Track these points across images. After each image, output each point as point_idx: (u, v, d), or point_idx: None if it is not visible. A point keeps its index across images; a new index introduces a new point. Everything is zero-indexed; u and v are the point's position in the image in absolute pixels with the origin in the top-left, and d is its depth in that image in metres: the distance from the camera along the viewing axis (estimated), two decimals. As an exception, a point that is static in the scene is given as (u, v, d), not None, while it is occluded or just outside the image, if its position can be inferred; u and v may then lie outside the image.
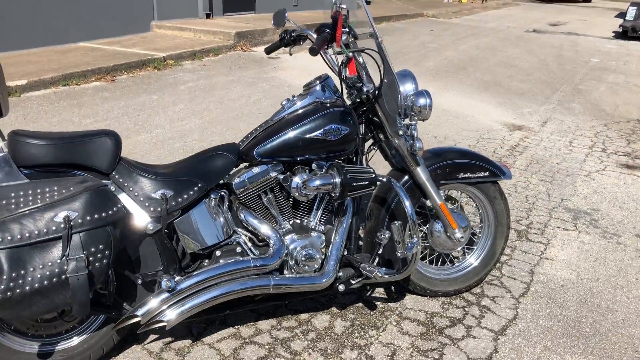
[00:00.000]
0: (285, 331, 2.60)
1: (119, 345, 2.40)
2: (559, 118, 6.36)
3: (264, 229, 2.38)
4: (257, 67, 8.04)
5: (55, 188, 2.00)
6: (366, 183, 2.39)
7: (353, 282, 2.50)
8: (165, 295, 2.18)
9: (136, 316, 2.15)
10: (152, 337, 2.52)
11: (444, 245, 2.78)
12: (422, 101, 2.44)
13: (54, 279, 1.89)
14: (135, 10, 9.37)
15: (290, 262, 2.42)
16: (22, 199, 1.95)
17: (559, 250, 3.44)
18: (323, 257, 2.46)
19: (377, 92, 2.48)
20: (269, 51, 2.80)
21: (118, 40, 8.76)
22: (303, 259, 2.40)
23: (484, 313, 2.80)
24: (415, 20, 15.14)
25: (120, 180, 2.16)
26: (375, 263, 2.51)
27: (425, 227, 2.82)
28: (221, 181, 2.41)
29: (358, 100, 2.59)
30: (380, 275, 2.41)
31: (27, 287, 1.86)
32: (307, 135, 2.35)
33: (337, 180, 2.33)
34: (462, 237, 2.72)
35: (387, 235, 2.47)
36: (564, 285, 3.07)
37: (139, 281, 2.21)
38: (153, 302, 2.17)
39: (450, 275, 2.90)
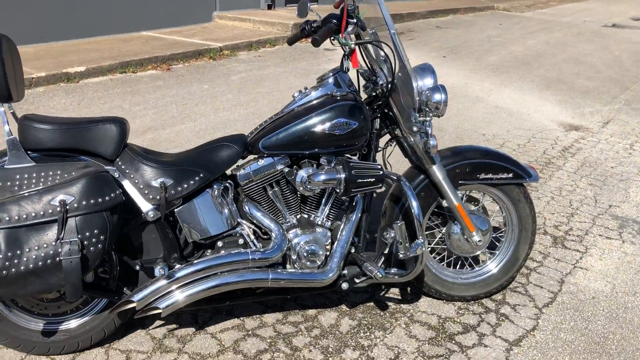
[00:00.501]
0: (290, 326, 2.57)
1: (124, 329, 2.45)
2: (623, 119, 5.97)
3: (267, 222, 2.35)
4: (311, 58, 8.02)
5: (58, 172, 2.05)
6: (372, 180, 2.31)
7: (357, 280, 2.44)
8: (162, 282, 2.20)
9: (132, 302, 2.18)
10: (158, 322, 2.56)
11: (462, 249, 2.66)
12: (437, 97, 2.33)
13: (48, 261, 1.94)
14: (198, 1, 9.56)
15: (293, 257, 2.38)
16: (25, 182, 2.01)
17: (596, 260, 3.22)
18: (327, 253, 2.41)
19: (390, 86, 2.39)
20: (290, 42, 2.76)
21: (179, 30, 8.98)
22: (305, 254, 2.36)
23: (501, 321, 2.66)
24: (485, 13, 14.65)
25: (123, 167, 2.19)
26: (381, 262, 2.43)
27: (444, 229, 2.71)
28: (228, 172, 2.40)
29: (374, 94, 2.52)
30: (380, 275, 2.33)
31: (22, 267, 1.92)
32: (314, 129, 2.30)
33: (342, 176, 2.27)
34: (480, 241, 2.59)
35: (392, 235, 2.39)
36: (595, 297, 2.88)
37: (138, 267, 2.24)
38: (149, 289, 2.19)
39: (469, 279, 2.77)
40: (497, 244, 2.84)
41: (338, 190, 2.30)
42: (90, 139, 2.16)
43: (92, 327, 2.31)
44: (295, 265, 2.39)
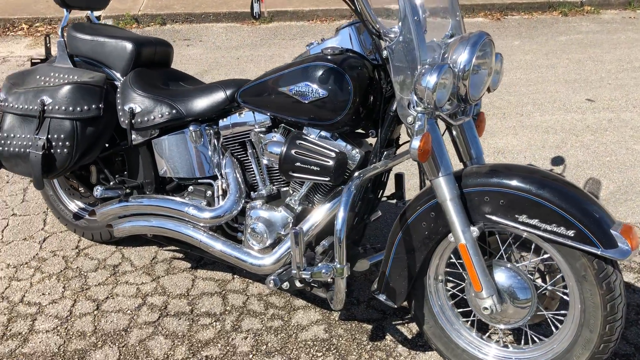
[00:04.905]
0: (262, 305, 2.27)
1: (143, 241, 2.58)
2: None
3: (231, 181, 2.08)
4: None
5: (76, 77, 2.26)
6: (315, 169, 1.79)
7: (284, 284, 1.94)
8: (116, 205, 2.24)
9: (95, 213, 2.30)
10: (173, 247, 2.61)
11: (478, 311, 1.83)
12: (427, 79, 1.59)
13: (22, 150, 2.21)
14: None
15: (247, 228, 2.07)
16: (52, 79, 2.28)
17: None
18: (278, 239, 2.00)
19: (383, 52, 1.72)
20: None
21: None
22: (250, 229, 2.02)
23: None
24: None
25: (119, 86, 2.24)
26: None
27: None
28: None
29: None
30: (271, 285, 1.83)
31: (11, 149, 2.25)
32: (280, 89, 1.86)
33: (278, 150, 1.83)
34: (488, 309, 1.74)
35: (324, 244, 1.83)
36: None
37: (113, 184, 2.32)
38: (107, 207, 2.27)
39: (488, 356, 1.90)
40: (553, 329, 1.83)
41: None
42: (104, 54, 2.28)
43: (101, 226, 2.53)
44: (244, 238, 2.07)
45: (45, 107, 2.17)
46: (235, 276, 2.44)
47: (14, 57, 5.12)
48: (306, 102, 1.81)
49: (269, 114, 1.96)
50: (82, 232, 2.63)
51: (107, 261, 2.53)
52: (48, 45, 2.55)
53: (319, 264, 1.78)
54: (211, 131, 2.13)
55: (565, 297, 1.76)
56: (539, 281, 1.83)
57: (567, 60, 5.10)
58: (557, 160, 3.44)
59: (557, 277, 1.77)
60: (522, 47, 5.47)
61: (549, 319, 1.83)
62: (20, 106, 2.23)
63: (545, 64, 5.00)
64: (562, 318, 1.79)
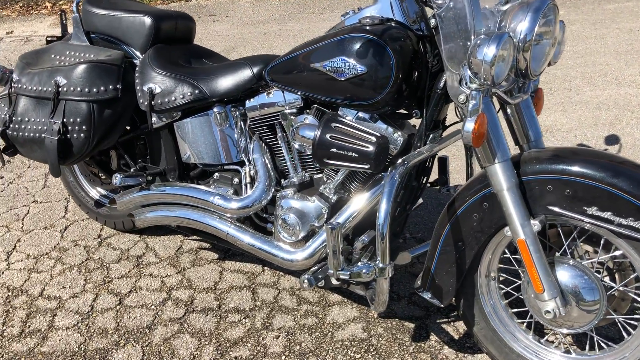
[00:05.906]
0: (294, 301, 2.11)
1: (168, 230, 2.43)
2: None
3: (260, 168, 1.90)
4: None
5: (92, 55, 2.09)
6: (353, 155, 1.59)
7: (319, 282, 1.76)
8: (137, 194, 2.09)
9: (115, 202, 2.15)
10: (196, 237, 2.46)
11: (538, 313, 1.62)
12: (484, 51, 1.37)
13: (36, 135, 2.07)
14: None
15: (278, 219, 1.89)
16: (67, 58, 2.12)
17: None
18: (311, 232, 1.82)
19: (430, 20, 1.51)
20: None
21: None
22: (280, 221, 1.84)
23: None
24: None
25: (137, 64, 2.07)
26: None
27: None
28: None
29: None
30: (305, 284, 1.65)
31: (26, 134, 2.10)
32: (313, 65, 1.67)
33: (312, 134, 1.64)
34: (550, 312, 1.54)
35: (364, 239, 1.64)
36: None
37: (133, 171, 2.16)
38: (128, 196, 2.11)
39: (547, 364, 1.70)
40: (625, 336, 1.62)
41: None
42: (121, 29, 2.11)
43: (122, 215, 2.39)
44: (274, 230, 1.90)
45: (60, 89, 2.01)
46: (265, 268, 2.27)
47: (37, 37, 5.00)
48: (342, 79, 1.61)
49: (300, 93, 1.76)
50: (103, 221, 2.49)
51: (131, 251, 2.39)
52: (64, 21, 2.39)
53: (359, 264, 1.60)
54: (237, 113, 1.95)
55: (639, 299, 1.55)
56: (607, 279, 1.62)
57: (617, 30, 4.75)
58: (612, 139, 3.18)
59: (631, 277, 1.55)
60: (567, 17, 5.13)
61: (619, 323, 1.62)
62: (34, 88, 2.08)
63: (593, 34, 4.68)
64: (635, 323, 1.57)
